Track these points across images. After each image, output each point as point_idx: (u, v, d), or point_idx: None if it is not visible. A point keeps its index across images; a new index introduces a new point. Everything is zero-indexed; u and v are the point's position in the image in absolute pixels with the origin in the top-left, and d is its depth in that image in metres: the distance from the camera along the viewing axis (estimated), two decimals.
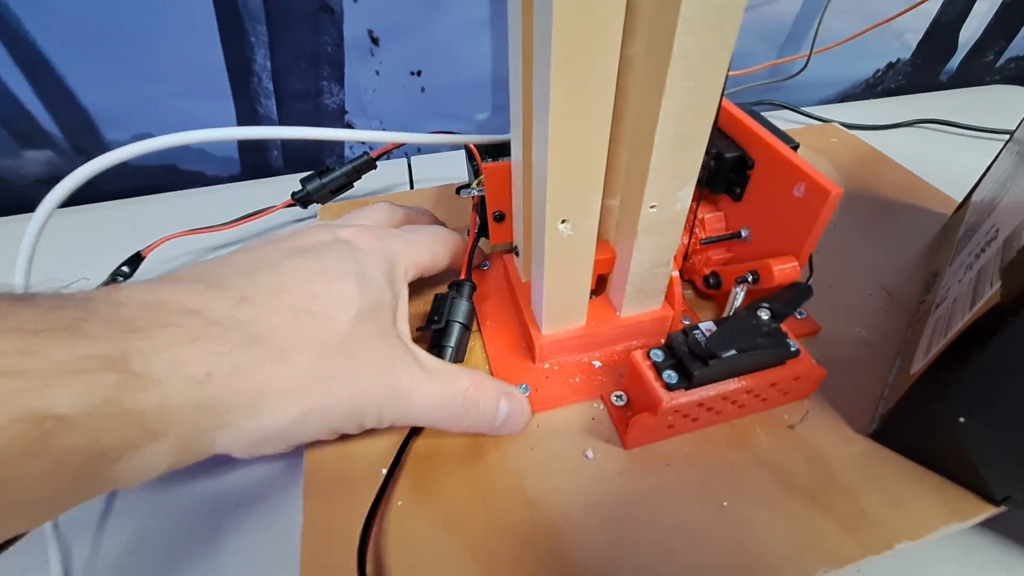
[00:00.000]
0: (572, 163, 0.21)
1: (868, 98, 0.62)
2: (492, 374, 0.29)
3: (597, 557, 0.22)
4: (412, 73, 0.47)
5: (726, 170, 0.28)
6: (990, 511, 0.24)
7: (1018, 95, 0.64)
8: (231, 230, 0.40)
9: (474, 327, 0.31)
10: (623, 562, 0.22)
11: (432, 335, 0.28)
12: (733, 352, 0.23)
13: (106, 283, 0.36)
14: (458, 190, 0.31)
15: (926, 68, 0.61)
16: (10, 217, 0.46)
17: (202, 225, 0.39)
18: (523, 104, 0.23)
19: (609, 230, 0.27)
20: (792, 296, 0.24)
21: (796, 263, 0.25)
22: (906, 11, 0.48)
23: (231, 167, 0.50)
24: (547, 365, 0.29)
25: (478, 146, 0.31)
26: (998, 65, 0.64)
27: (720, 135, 0.28)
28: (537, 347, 0.28)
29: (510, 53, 0.23)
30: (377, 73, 0.46)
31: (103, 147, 0.46)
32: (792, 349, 0.24)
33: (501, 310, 0.32)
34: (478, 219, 0.31)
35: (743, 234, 0.28)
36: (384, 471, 0.24)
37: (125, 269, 0.36)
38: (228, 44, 0.42)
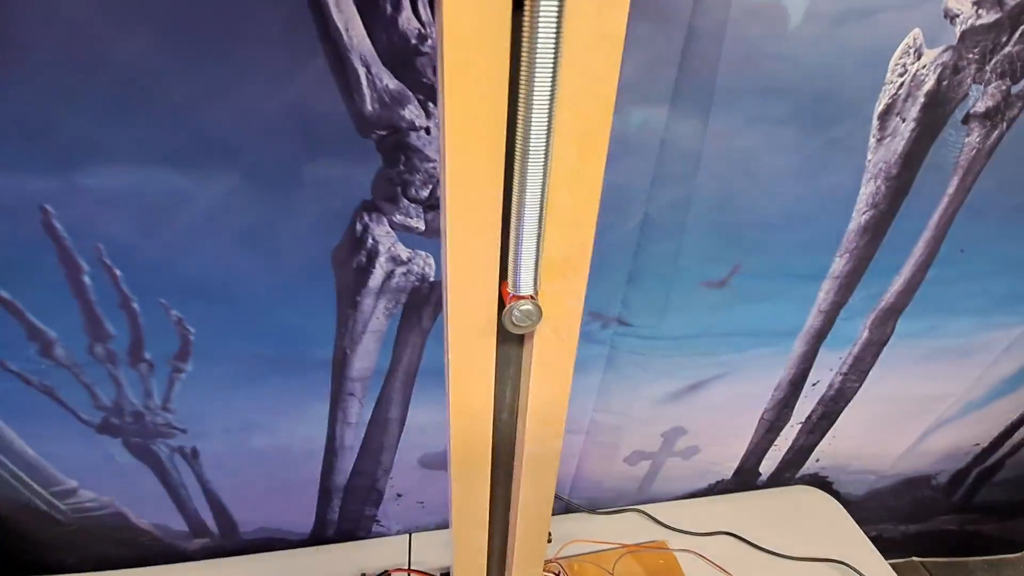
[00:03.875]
0: None
1: (708, 495, 0.96)
2: None
3: None
4: (418, 501, 0.83)
5: None
6: None
7: (814, 495, 0.98)
8: None
9: None
10: None
11: None
12: None
13: None
14: None
15: (743, 481, 0.96)
16: (170, 566, 0.80)
17: None
18: None
19: None
20: None
21: None
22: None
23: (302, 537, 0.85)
24: None
25: None
26: (796, 478, 0.99)
27: None
28: None
29: None
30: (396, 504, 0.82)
31: (239, 535, 0.81)
32: None
33: None
34: None
35: None
36: None
37: None
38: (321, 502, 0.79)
